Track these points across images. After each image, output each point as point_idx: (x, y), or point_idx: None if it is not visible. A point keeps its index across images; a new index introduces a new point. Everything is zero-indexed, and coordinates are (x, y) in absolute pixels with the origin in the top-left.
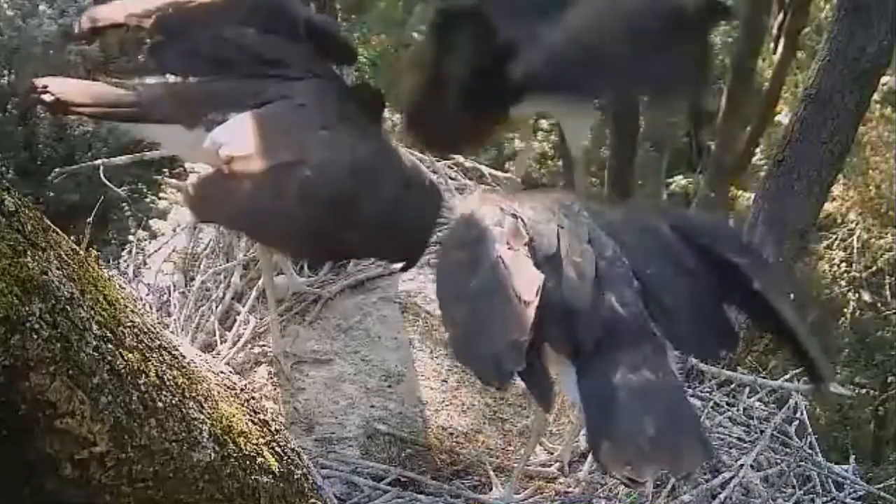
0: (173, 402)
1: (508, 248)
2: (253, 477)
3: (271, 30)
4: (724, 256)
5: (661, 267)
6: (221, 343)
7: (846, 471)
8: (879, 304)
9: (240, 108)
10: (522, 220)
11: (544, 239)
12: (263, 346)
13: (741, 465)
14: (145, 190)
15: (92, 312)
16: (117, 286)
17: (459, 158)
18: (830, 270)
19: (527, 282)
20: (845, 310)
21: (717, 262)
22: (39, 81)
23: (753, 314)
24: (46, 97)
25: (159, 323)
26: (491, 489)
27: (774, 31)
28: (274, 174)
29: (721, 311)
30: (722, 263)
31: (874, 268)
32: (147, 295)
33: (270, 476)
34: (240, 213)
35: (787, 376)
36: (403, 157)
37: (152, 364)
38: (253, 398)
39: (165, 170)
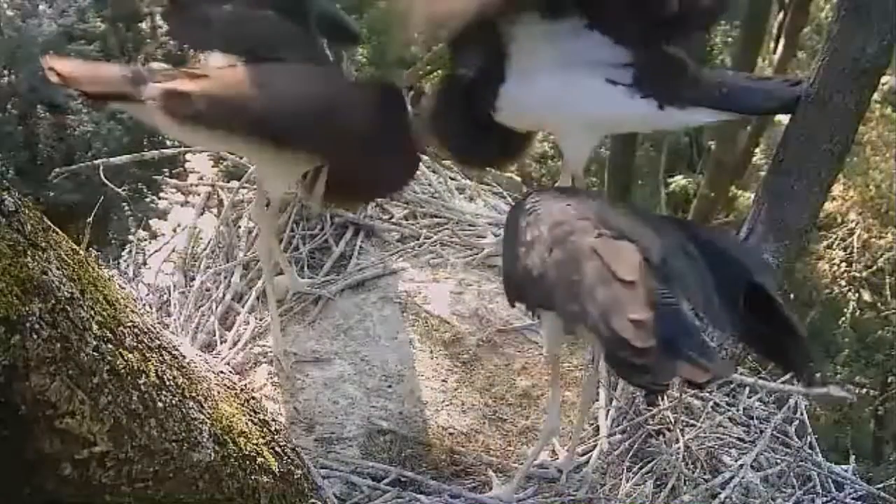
0: (173, 402)
1: (598, 237)
2: (253, 477)
3: (283, 11)
4: (730, 254)
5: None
6: (221, 343)
7: (846, 471)
8: (879, 304)
9: None
10: (596, 215)
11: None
12: (263, 346)
13: (741, 465)
14: (145, 190)
15: (92, 312)
16: (117, 286)
17: None
18: (830, 270)
19: (627, 264)
20: (845, 310)
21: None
22: (47, 61)
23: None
24: (53, 77)
25: (159, 323)
26: (491, 489)
27: (774, 31)
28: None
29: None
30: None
31: (874, 268)
32: (147, 295)
33: (270, 476)
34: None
35: (787, 376)
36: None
37: (152, 364)
38: (253, 398)
39: (165, 170)
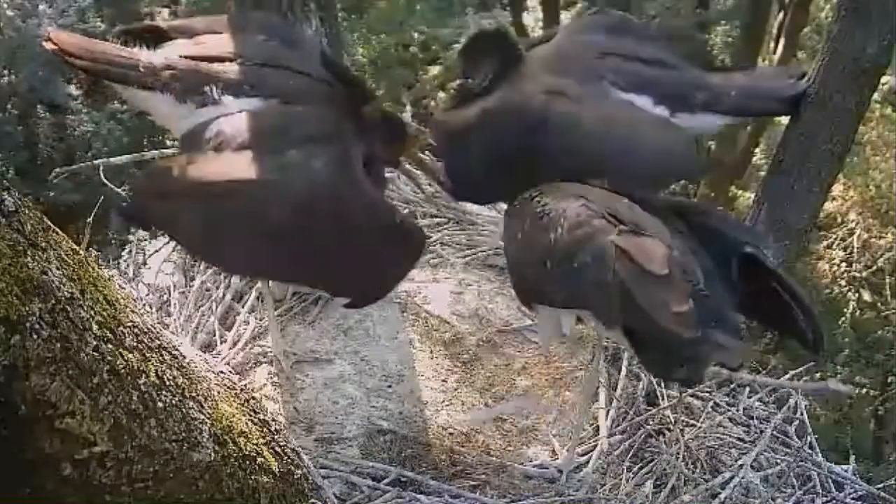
0: (173, 402)
1: (619, 234)
2: (253, 477)
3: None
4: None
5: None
6: (221, 343)
7: (846, 471)
8: (879, 304)
9: (234, 93)
10: (607, 209)
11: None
12: (263, 346)
13: (741, 465)
14: None
15: (92, 312)
16: (117, 286)
17: None
18: (830, 270)
19: (656, 259)
20: (845, 310)
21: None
22: (47, 32)
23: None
24: (49, 45)
25: (159, 323)
26: (490, 490)
27: (774, 31)
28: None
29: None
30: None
31: (874, 268)
32: (147, 295)
33: (270, 476)
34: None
35: (787, 376)
36: (369, 195)
37: (152, 364)
38: (253, 398)
39: None
